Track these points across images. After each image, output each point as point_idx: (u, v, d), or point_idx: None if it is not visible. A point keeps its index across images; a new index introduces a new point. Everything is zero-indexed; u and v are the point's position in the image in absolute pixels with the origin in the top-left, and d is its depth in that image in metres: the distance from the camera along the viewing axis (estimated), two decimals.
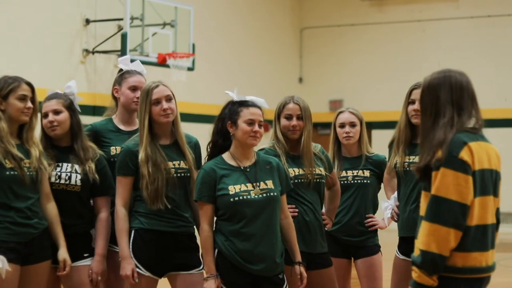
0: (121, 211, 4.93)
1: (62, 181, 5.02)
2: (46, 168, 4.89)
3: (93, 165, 5.06)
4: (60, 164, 5.04)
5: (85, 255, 5.07)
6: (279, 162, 4.95)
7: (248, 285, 4.76)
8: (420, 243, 3.63)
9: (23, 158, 4.78)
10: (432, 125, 3.74)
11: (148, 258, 4.91)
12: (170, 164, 4.95)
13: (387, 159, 5.87)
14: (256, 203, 4.75)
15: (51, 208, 4.92)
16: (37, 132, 5.05)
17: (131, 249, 4.93)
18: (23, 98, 4.83)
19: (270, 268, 4.77)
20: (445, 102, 3.74)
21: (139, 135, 4.99)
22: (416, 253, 3.68)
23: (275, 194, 4.80)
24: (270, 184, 4.81)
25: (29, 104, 4.84)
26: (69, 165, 5.05)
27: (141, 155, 4.90)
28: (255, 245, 4.73)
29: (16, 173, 4.76)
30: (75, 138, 5.09)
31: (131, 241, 4.94)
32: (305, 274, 4.92)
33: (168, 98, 5.00)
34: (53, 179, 5.01)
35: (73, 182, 5.02)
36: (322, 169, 5.26)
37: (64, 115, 5.05)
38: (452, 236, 3.60)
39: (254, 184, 4.78)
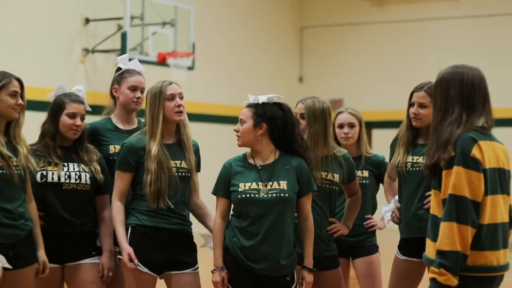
0: (116, 204, 4.94)
1: (73, 181, 5.01)
2: (34, 166, 4.86)
3: (98, 166, 5.06)
4: (66, 164, 5.03)
5: (93, 253, 5.08)
6: (302, 163, 4.88)
7: (251, 283, 4.78)
8: (446, 245, 3.61)
9: (12, 157, 4.74)
10: (440, 121, 3.72)
11: (145, 254, 4.90)
12: (172, 163, 4.95)
13: (386, 159, 5.85)
14: (264, 202, 4.75)
15: (32, 209, 4.88)
16: (25, 130, 4.98)
17: None
18: (14, 94, 4.77)
19: (273, 268, 4.76)
20: (455, 99, 3.73)
21: (150, 131, 4.95)
22: (432, 254, 3.66)
23: (287, 195, 4.78)
24: (283, 184, 4.79)
25: (20, 101, 4.79)
26: (75, 164, 5.05)
27: (153, 151, 4.89)
28: (258, 244, 4.74)
29: (4, 172, 4.71)
30: (80, 140, 5.08)
31: (128, 237, 4.93)
32: (308, 280, 4.87)
33: (181, 96, 5.03)
34: (62, 179, 5.00)
35: (83, 181, 5.02)
36: (336, 175, 5.18)
37: (85, 121, 5.08)
38: (470, 233, 3.61)
39: (266, 183, 4.78)
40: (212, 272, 4.82)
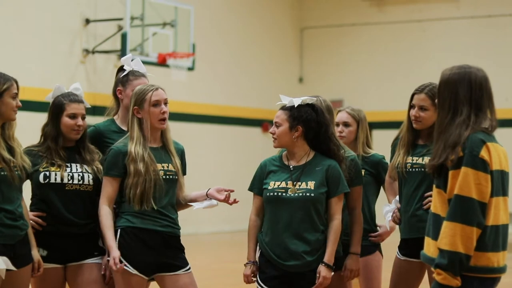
0: (104, 209, 4.94)
1: (75, 181, 5.02)
2: (29, 166, 4.89)
3: (100, 166, 5.07)
4: (69, 165, 5.05)
5: (96, 253, 5.09)
6: (335, 165, 4.96)
7: (279, 278, 4.88)
8: (444, 244, 3.62)
9: (12, 159, 4.77)
10: (449, 122, 3.72)
11: (134, 256, 4.91)
12: (159, 166, 4.98)
13: (385, 159, 5.84)
14: (290, 201, 4.86)
15: (24, 208, 4.91)
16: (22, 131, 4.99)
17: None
18: (15, 97, 4.81)
19: (300, 265, 4.87)
20: (463, 100, 3.73)
21: (130, 135, 5.00)
22: (433, 253, 3.68)
23: (312, 194, 4.87)
24: (311, 185, 4.89)
25: (19, 102, 4.83)
26: (78, 165, 5.06)
27: (134, 153, 4.92)
28: (284, 242, 4.86)
29: (5, 173, 4.74)
30: (81, 140, 5.10)
31: (117, 240, 4.95)
32: (323, 274, 4.89)
33: (166, 102, 5.04)
34: (65, 180, 5.01)
35: (86, 182, 5.03)
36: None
37: (86, 120, 5.09)
38: (475, 235, 3.62)
39: (295, 183, 4.89)
40: (245, 265, 4.99)
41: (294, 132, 4.93)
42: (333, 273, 5.08)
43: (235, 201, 5.14)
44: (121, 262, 4.88)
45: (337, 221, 4.96)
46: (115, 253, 4.86)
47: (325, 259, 4.93)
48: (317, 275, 4.90)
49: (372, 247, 5.88)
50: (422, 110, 5.27)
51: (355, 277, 5.35)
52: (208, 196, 5.16)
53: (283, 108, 4.98)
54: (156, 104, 4.98)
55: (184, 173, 5.16)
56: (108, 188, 4.97)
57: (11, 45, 13.89)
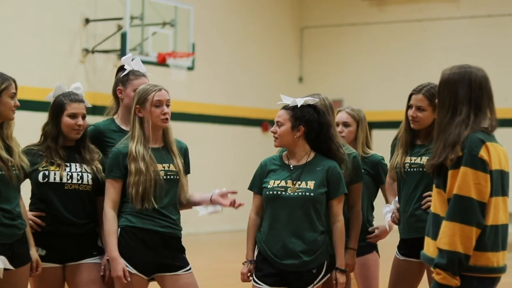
0: (110, 213, 4.96)
1: (74, 181, 5.03)
2: (27, 165, 4.90)
3: (100, 166, 5.07)
4: (69, 164, 5.05)
5: (95, 253, 5.10)
6: (335, 166, 4.99)
7: (275, 276, 4.91)
8: (444, 244, 3.63)
9: (9, 159, 4.78)
10: (448, 122, 3.73)
11: (134, 256, 4.93)
12: (160, 166, 4.98)
13: (384, 160, 5.84)
14: (289, 200, 4.89)
15: (22, 207, 4.92)
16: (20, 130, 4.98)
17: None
18: (13, 96, 4.83)
19: (297, 265, 4.89)
20: (463, 100, 3.74)
21: (131, 134, 5.01)
22: (432, 253, 3.68)
23: (312, 194, 4.90)
24: (311, 184, 4.92)
25: (17, 102, 4.84)
26: (78, 165, 5.07)
27: (134, 153, 4.93)
28: (282, 240, 4.89)
29: (3, 173, 4.76)
30: (81, 140, 5.10)
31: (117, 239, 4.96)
32: (341, 280, 4.99)
33: (168, 104, 5.04)
34: (64, 179, 5.02)
35: (85, 181, 5.04)
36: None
37: (86, 120, 5.09)
38: (474, 234, 3.62)
39: (295, 182, 4.92)
40: (243, 264, 5.02)
41: (296, 132, 4.95)
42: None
43: (240, 205, 5.13)
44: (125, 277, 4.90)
45: (340, 223, 5.00)
46: (124, 265, 4.88)
47: (338, 264, 4.99)
48: (334, 282, 4.97)
49: (369, 247, 5.89)
50: (420, 110, 5.27)
51: (351, 271, 5.36)
52: (212, 202, 5.16)
53: (286, 107, 5.00)
54: (158, 104, 4.99)
55: (187, 171, 5.16)
56: (111, 191, 4.98)
57: (11, 45, 13.88)
